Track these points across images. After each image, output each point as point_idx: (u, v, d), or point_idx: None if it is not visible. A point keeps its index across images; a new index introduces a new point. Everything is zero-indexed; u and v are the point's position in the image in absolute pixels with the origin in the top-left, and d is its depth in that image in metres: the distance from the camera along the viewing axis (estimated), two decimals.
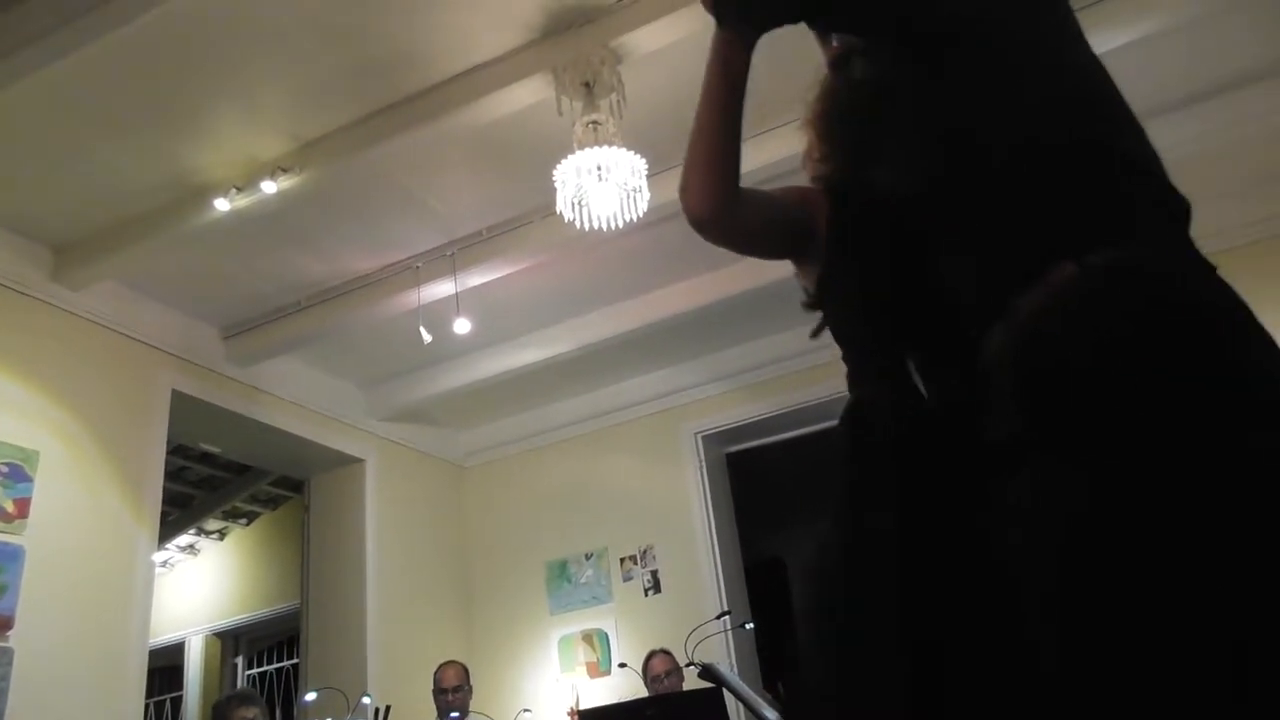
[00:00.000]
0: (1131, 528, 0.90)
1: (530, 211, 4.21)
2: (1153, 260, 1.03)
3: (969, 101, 1.15)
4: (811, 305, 1.39)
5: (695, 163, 1.28)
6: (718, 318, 5.18)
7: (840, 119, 1.39)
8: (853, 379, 1.32)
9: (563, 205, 3.33)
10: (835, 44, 1.39)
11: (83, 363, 4.24)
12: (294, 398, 5.30)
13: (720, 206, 1.29)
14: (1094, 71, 1.17)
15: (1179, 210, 1.07)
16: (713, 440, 5.90)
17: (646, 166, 3.34)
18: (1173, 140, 4.09)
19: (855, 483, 1.21)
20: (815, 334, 1.40)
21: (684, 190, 1.29)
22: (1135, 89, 4.22)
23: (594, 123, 3.33)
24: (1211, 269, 1.03)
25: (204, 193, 3.86)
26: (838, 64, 1.39)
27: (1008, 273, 1.06)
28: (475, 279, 4.48)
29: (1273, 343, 0.97)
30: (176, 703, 7.84)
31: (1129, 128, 1.13)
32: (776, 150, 3.61)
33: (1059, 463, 0.97)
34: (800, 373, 5.50)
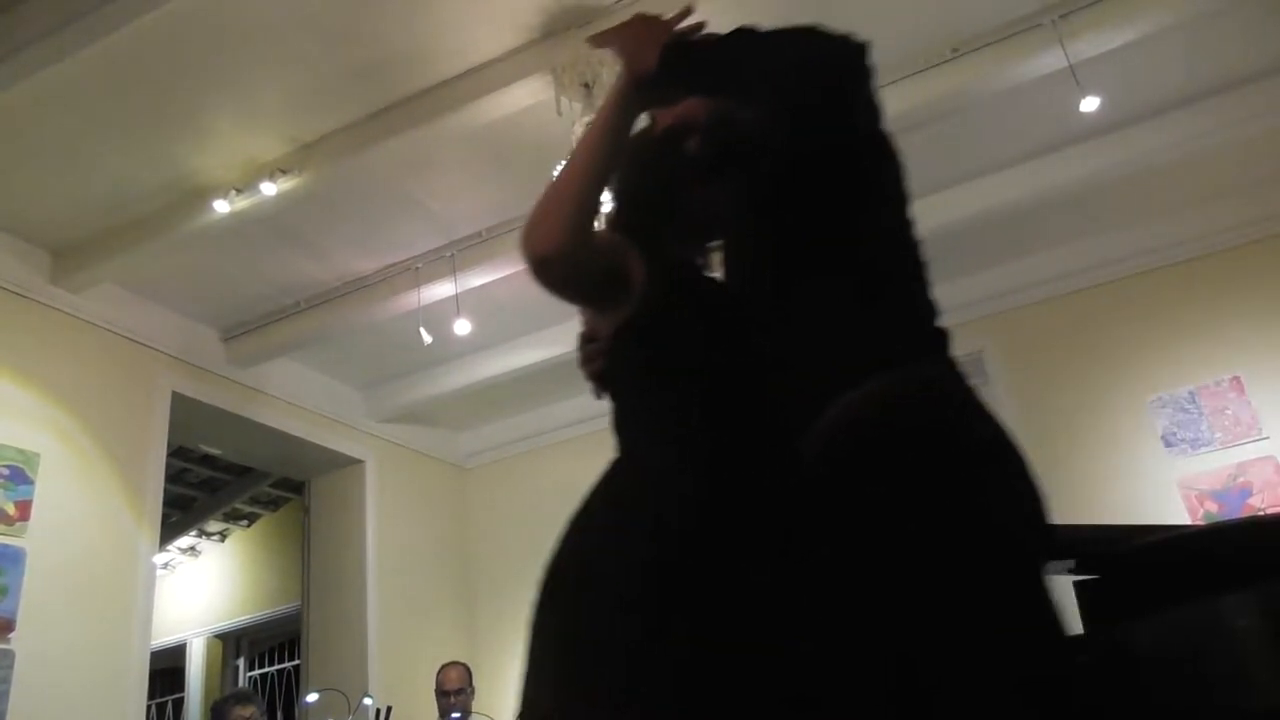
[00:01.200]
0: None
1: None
2: (931, 382, 1.30)
3: (808, 227, 1.37)
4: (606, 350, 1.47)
5: (568, 196, 1.31)
6: None
7: (654, 188, 1.49)
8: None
9: None
10: (678, 111, 1.49)
11: (83, 365, 4.24)
12: (294, 399, 5.31)
13: (578, 241, 1.31)
14: (907, 234, 1.41)
15: (945, 339, 1.35)
16: None
17: None
18: (1172, 140, 4.10)
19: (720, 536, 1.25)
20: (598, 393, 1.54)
21: (543, 224, 1.31)
22: (1134, 88, 4.21)
23: None
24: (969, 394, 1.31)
25: (203, 194, 3.86)
26: (676, 133, 1.49)
27: (827, 379, 1.30)
28: (475, 280, 4.47)
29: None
30: (179, 705, 7.85)
31: (921, 272, 1.39)
32: None
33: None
34: None
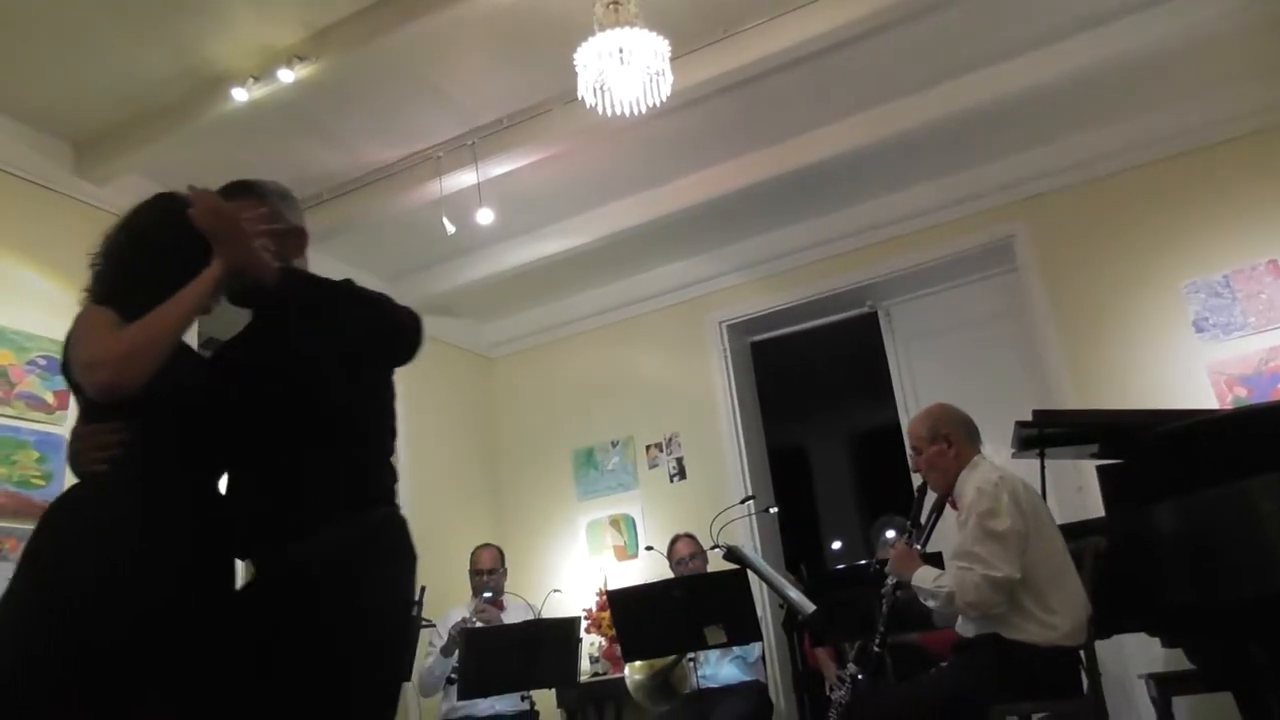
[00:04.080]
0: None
1: (551, 98, 4.13)
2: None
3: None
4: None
5: (158, 349, 1.77)
6: (741, 206, 5.11)
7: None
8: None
9: (584, 90, 3.26)
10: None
11: None
12: None
13: (144, 381, 1.74)
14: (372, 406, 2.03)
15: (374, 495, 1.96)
16: (737, 329, 5.89)
17: (669, 49, 3.25)
18: (1214, 12, 3.92)
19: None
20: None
21: (131, 368, 1.73)
22: None
23: (614, 3, 3.23)
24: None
25: (221, 83, 3.81)
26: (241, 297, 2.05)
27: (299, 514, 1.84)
28: (497, 169, 4.42)
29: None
30: None
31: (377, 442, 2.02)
32: (775, 42, 3.53)
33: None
34: (822, 262, 5.52)
